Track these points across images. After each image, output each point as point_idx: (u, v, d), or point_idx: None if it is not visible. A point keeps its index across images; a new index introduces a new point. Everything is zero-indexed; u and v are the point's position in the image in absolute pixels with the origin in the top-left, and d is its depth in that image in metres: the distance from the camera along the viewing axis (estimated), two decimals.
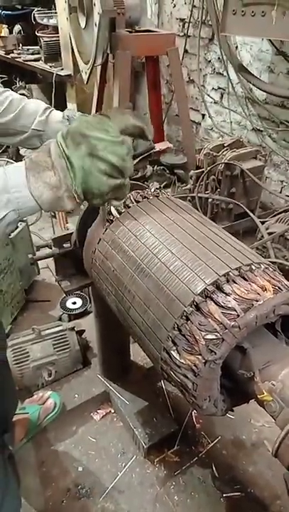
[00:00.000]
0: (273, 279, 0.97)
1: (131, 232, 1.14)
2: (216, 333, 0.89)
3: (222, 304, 0.90)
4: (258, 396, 0.92)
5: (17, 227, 2.50)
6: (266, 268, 1.01)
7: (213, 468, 1.85)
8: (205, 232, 1.10)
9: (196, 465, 1.86)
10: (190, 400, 1.00)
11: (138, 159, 1.23)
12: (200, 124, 4.02)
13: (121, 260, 1.13)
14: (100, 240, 1.23)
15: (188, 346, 0.93)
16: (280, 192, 3.42)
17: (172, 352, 0.96)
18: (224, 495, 1.76)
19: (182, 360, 0.94)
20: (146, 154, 1.24)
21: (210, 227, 1.14)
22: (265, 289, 0.92)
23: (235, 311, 0.89)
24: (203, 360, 0.90)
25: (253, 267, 0.98)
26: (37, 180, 0.81)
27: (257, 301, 0.90)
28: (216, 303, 0.91)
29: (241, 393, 1.04)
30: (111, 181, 0.85)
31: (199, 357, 0.90)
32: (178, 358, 0.95)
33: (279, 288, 0.95)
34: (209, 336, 0.89)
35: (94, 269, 1.28)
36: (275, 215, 2.83)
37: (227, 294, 0.92)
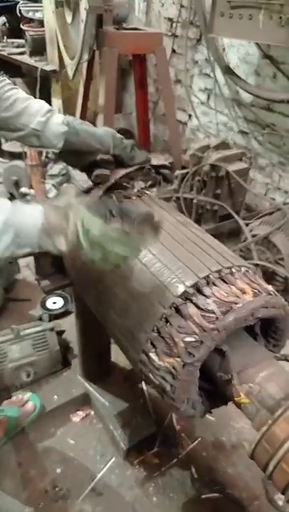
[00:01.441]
0: (253, 282, 0.97)
1: None
2: (194, 336, 0.88)
3: (202, 307, 0.89)
4: (236, 398, 0.91)
5: None
6: (246, 271, 1.00)
7: (193, 469, 1.85)
8: (186, 233, 1.09)
9: (175, 466, 1.85)
10: (168, 402, 0.99)
11: (133, 169, 1.32)
12: (186, 124, 4.02)
13: None
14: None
15: (167, 348, 0.92)
16: (265, 194, 3.44)
17: (151, 354, 0.95)
18: (203, 496, 1.76)
19: (161, 363, 0.93)
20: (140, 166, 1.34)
21: (192, 228, 1.14)
22: (245, 292, 0.92)
23: (215, 313, 0.88)
24: (182, 363, 0.89)
25: (234, 270, 0.98)
26: (47, 240, 0.92)
27: (236, 303, 0.89)
28: (195, 305, 0.90)
29: (220, 396, 1.04)
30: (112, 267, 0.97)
31: (178, 359, 0.89)
32: (157, 360, 0.94)
33: (258, 291, 0.94)
34: (188, 339, 0.88)
35: (74, 270, 1.26)
36: (259, 217, 2.84)
37: (207, 297, 0.91)
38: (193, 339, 0.88)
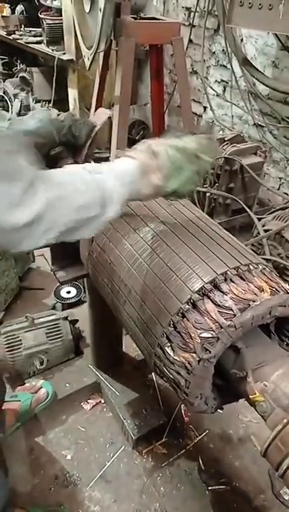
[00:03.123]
0: (271, 280, 0.97)
1: (129, 226, 1.13)
2: (211, 332, 0.89)
3: (219, 303, 0.90)
4: (250, 396, 0.92)
5: None
6: (264, 269, 1.01)
7: (200, 461, 1.87)
8: (203, 228, 1.09)
9: (183, 457, 1.88)
10: (181, 396, 1.00)
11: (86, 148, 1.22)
12: (201, 116, 3.98)
13: (118, 253, 1.12)
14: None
15: (182, 343, 0.93)
16: (278, 189, 3.41)
17: (166, 348, 0.96)
18: (209, 487, 1.79)
19: (176, 357, 0.94)
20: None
21: (208, 223, 1.14)
22: (263, 290, 0.92)
23: (232, 310, 0.89)
24: (198, 358, 0.90)
25: (251, 267, 0.98)
26: (143, 178, 0.95)
27: (254, 301, 0.90)
28: (212, 301, 0.91)
29: (232, 392, 1.05)
30: (195, 185, 1.05)
31: (193, 355, 0.90)
32: (172, 354, 0.95)
33: (276, 289, 0.95)
34: (205, 335, 0.89)
35: (90, 261, 1.27)
36: (272, 213, 2.83)
37: (224, 293, 0.91)
38: (209, 335, 0.88)
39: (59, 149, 1.16)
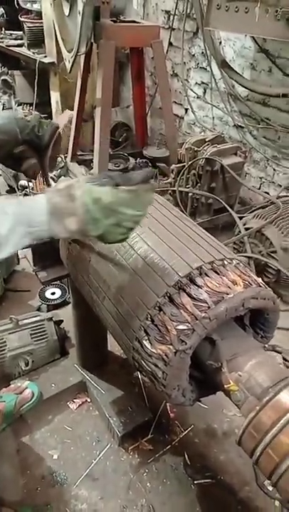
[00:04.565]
0: (244, 274, 1.01)
1: None
2: (187, 324, 0.92)
3: (194, 296, 0.93)
4: (225, 386, 0.95)
5: None
6: (238, 264, 1.04)
7: (186, 456, 1.90)
8: (181, 226, 1.13)
9: (169, 453, 1.90)
10: (159, 388, 1.03)
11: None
12: (183, 118, 4.03)
13: (97, 251, 1.14)
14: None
15: (159, 336, 0.95)
16: (259, 188, 3.48)
17: (144, 341, 0.99)
18: (195, 482, 1.81)
19: (153, 350, 0.97)
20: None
21: (186, 222, 1.17)
22: (236, 283, 0.96)
23: (207, 303, 0.92)
24: (174, 350, 0.93)
25: (226, 262, 1.01)
26: (59, 224, 0.91)
27: (227, 294, 0.93)
28: (188, 295, 0.94)
29: (209, 384, 1.08)
30: (125, 237, 0.98)
31: (170, 347, 0.93)
32: (149, 347, 0.98)
33: (249, 283, 0.98)
34: (180, 327, 0.92)
35: (70, 260, 1.29)
36: (252, 211, 2.88)
37: (199, 287, 0.95)
38: (185, 327, 0.91)
39: (22, 148, 1.18)
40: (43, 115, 3.21)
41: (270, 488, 2.01)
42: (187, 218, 1.23)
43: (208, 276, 0.97)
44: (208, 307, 0.92)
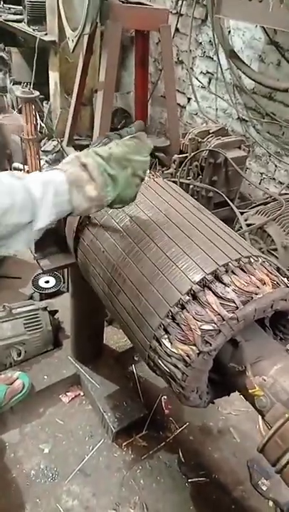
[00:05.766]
0: (271, 273, 0.95)
1: (124, 212, 1.08)
2: (212, 324, 0.86)
3: (221, 295, 0.87)
4: (249, 390, 0.90)
5: None
6: (264, 262, 0.98)
7: (180, 453, 1.87)
8: (202, 219, 1.06)
9: (163, 450, 1.87)
10: (177, 390, 0.97)
11: None
12: (185, 107, 3.94)
13: (113, 241, 1.07)
14: (90, 217, 1.16)
15: (181, 335, 0.89)
16: (259, 184, 3.43)
17: (163, 340, 0.93)
18: (189, 480, 1.79)
19: (174, 350, 0.91)
20: None
21: (207, 214, 1.11)
22: (264, 283, 0.90)
23: (234, 302, 0.86)
24: (197, 351, 0.87)
25: (252, 260, 0.96)
26: (79, 192, 0.92)
27: (256, 294, 0.87)
28: (214, 293, 0.88)
29: (227, 386, 1.03)
30: (138, 190, 1.02)
31: (193, 347, 0.87)
32: (169, 346, 0.92)
33: (277, 283, 0.93)
34: (205, 327, 0.86)
35: (81, 249, 1.21)
36: (254, 207, 2.83)
37: (226, 285, 0.88)
38: (210, 327, 0.85)
39: None
40: (40, 96, 3.09)
41: (264, 488, 1.99)
42: (206, 210, 1.16)
43: (235, 274, 0.91)
44: (236, 307, 0.86)
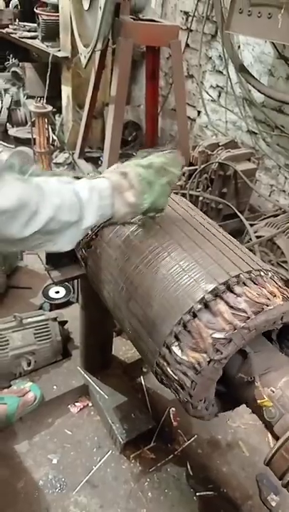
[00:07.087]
0: (281, 287, 0.96)
1: (137, 223, 1.10)
2: (224, 333, 0.86)
3: (232, 305, 0.88)
4: (258, 401, 0.90)
5: None
6: (273, 275, 0.99)
7: (188, 466, 1.85)
8: (214, 232, 1.08)
9: (171, 463, 1.85)
10: (185, 398, 0.97)
11: None
12: (195, 120, 3.99)
13: (125, 250, 1.09)
14: (102, 226, 1.18)
15: (192, 343, 0.90)
16: (269, 196, 3.44)
17: (173, 347, 0.94)
18: (197, 493, 1.76)
19: (184, 357, 0.91)
20: None
21: (218, 228, 1.13)
22: (275, 295, 0.91)
23: (246, 312, 0.86)
24: (208, 359, 0.87)
25: (262, 273, 0.96)
26: (120, 197, 1.01)
27: (267, 305, 0.88)
28: (226, 303, 0.89)
29: (232, 399, 1.02)
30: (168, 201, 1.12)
31: (204, 355, 0.88)
32: (179, 354, 0.92)
33: (287, 297, 0.93)
34: (217, 335, 0.86)
35: (91, 256, 1.23)
36: (263, 219, 2.84)
37: (238, 295, 0.89)
38: (222, 336, 0.86)
39: None
40: (53, 109, 3.14)
41: (274, 504, 1.95)
42: (216, 224, 1.18)
43: (246, 285, 0.92)
44: (248, 317, 0.86)
